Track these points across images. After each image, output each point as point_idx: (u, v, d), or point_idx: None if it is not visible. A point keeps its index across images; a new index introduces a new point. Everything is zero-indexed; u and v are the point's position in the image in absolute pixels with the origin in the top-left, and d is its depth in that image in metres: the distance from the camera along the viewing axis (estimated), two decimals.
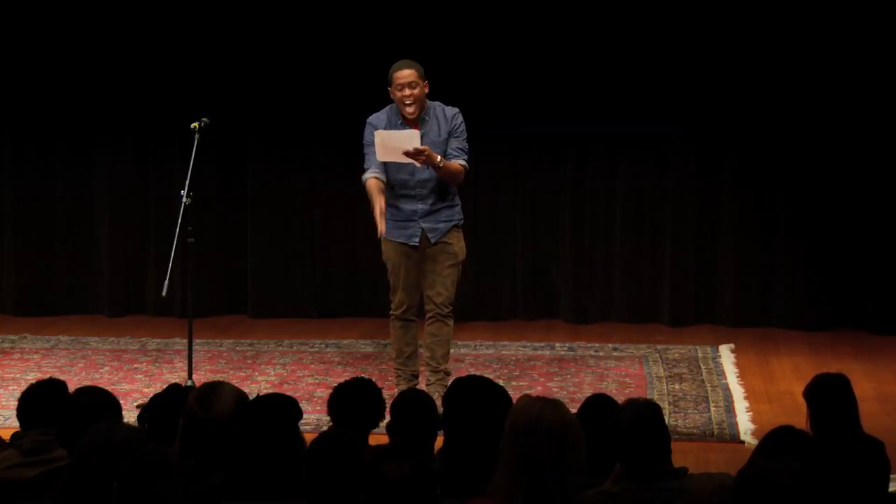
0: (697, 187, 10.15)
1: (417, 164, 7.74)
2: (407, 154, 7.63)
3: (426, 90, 7.87)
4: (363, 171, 7.91)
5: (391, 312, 8.05)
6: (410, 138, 7.69)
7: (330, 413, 5.39)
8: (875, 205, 9.93)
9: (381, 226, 7.71)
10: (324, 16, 10.15)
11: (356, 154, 10.10)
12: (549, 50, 10.05)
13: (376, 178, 7.83)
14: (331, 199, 10.44)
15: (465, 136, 7.92)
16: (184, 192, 8.00)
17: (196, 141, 8.14)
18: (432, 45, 9.89)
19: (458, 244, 8.02)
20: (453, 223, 7.99)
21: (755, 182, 10.06)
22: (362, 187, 7.90)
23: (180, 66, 10.23)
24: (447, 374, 7.94)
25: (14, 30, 10.28)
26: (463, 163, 7.89)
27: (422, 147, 7.64)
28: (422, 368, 8.12)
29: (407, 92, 7.81)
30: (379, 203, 7.72)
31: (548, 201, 10.33)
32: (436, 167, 7.76)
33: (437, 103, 7.94)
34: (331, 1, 10.16)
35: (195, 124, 8.16)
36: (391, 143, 7.69)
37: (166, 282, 7.94)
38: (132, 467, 4.10)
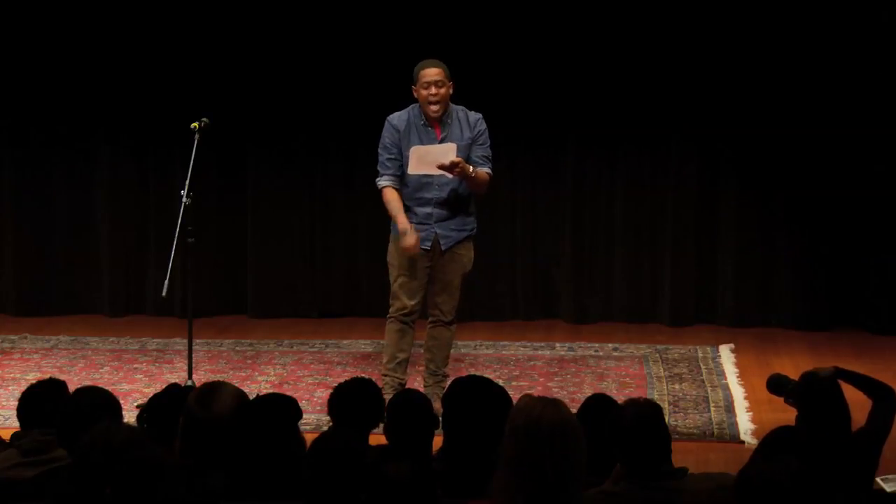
0: (697, 187, 10.15)
1: (450, 177, 7.71)
2: (442, 167, 7.60)
3: (451, 91, 7.81)
4: (377, 173, 7.86)
5: (390, 314, 8.01)
6: (446, 152, 7.64)
7: (330, 413, 5.39)
8: (875, 205, 9.92)
9: (411, 243, 7.69)
10: (324, 15, 10.15)
11: (356, 154, 10.16)
12: (550, 50, 10.05)
13: (393, 186, 7.80)
14: (331, 199, 10.43)
15: (489, 144, 7.88)
16: (184, 192, 8.00)
17: (196, 141, 8.14)
18: (432, 45, 9.85)
19: (468, 255, 7.98)
20: (466, 233, 7.95)
21: (755, 182, 10.06)
22: (378, 191, 7.88)
23: (180, 66, 10.23)
24: (445, 377, 7.94)
25: (14, 30, 10.28)
26: (489, 170, 7.84)
27: (457, 159, 7.60)
28: (420, 369, 8.11)
29: (433, 91, 7.73)
30: (409, 226, 7.71)
31: (548, 201, 10.32)
32: (468, 178, 7.71)
33: (459, 107, 7.88)
34: (331, 1, 10.16)
35: (195, 124, 8.17)
36: (427, 158, 7.65)
37: (166, 282, 7.94)
38: (125, 469, 4.11)
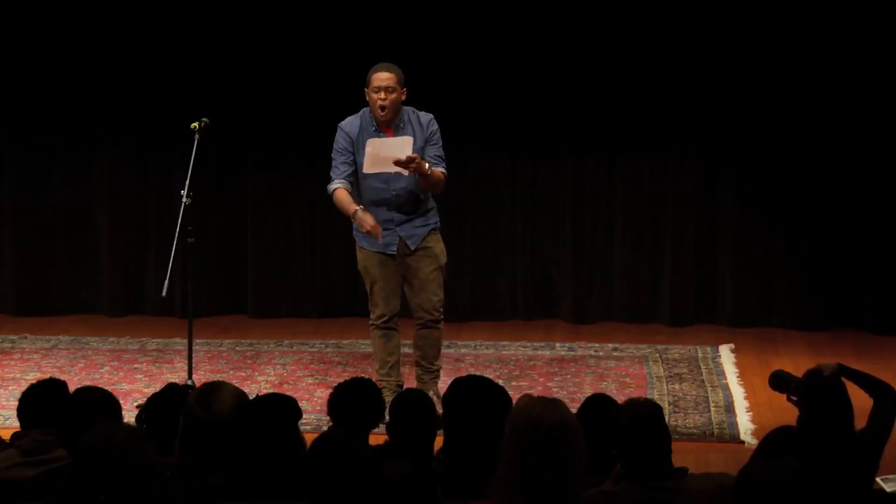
0: (697, 188, 10.14)
1: (406, 173, 7.67)
2: (398, 163, 7.56)
3: (403, 97, 7.76)
4: (329, 179, 7.86)
5: (371, 322, 7.96)
6: (402, 145, 7.59)
7: (330, 413, 5.39)
8: (874, 205, 9.92)
9: (372, 223, 7.63)
10: (324, 16, 10.15)
11: None
12: (550, 50, 10.05)
13: (343, 187, 7.76)
14: (331, 199, 10.41)
15: (441, 144, 7.84)
16: (184, 192, 8.00)
17: (196, 141, 8.14)
18: (433, 46, 9.89)
19: (437, 247, 7.93)
20: (430, 227, 7.90)
21: (755, 182, 10.05)
22: (328, 197, 7.86)
23: (180, 66, 10.23)
24: (439, 370, 7.95)
25: (14, 29, 10.28)
26: (443, 170, 7.80)
27: (413, 154, 7.57)
28: (415, 367, 8.10)
29: (383, 95, 7.68)
30: (357, 207, 7.66)
31: (547, 201, 10.32)
32: (424, 175, 7.67)
33: (409, 108, 7.84)
34: (331, 2, 10.16)
35: (195, 124, 8.16)
36: (383, 152, 7.58)
37: (166, 282, 7.94)
38: (125, 469, 4.11)
